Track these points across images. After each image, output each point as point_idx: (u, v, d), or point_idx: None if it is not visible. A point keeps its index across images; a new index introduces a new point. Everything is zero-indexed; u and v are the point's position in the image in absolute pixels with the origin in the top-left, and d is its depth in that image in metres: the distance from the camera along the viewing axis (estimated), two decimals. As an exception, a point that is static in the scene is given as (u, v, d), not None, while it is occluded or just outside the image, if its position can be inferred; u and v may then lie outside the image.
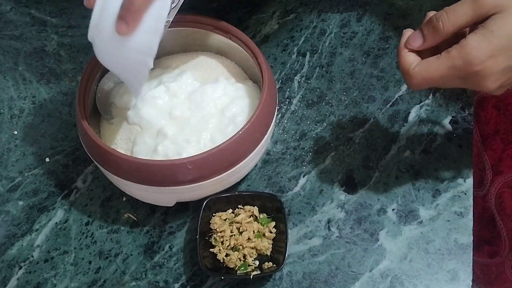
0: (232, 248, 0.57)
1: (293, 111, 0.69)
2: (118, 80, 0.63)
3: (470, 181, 0.63)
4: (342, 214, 0.62)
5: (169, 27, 0.63)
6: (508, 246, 0.69)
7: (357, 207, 0.62)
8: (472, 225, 0.60)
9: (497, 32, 0.45)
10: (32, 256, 0.60)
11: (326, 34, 0.76)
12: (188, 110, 0.60)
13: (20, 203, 0.63)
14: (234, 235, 0.57)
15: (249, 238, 0.57)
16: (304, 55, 0.74)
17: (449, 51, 0.46)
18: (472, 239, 0.59)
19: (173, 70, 0.65)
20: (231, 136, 0.54)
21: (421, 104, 0.69)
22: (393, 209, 0.62)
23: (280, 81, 0.72)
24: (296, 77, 0.72)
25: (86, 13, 0.79)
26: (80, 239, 0.61)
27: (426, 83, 0.48)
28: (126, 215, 0.62)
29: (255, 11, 0.79)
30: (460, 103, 0.69)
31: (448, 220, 0.61)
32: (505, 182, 0.65)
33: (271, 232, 0.59)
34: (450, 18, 0.47)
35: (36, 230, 0.61)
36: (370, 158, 0.65)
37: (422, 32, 0.49)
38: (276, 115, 0.60)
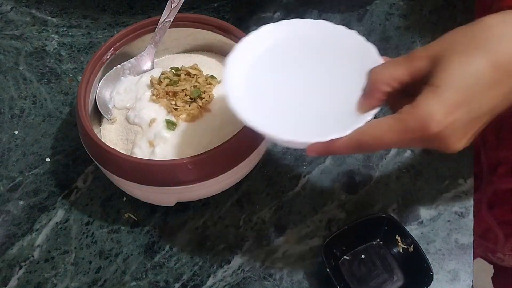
0: None
1: (294, 111, 0.69)
2: (118, 80, 0.63)
3: (470, 181, 0.63)
4: (342, 214, 0.62)
5: (169, 27, 0.63)
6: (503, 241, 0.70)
7: (357, 207, 0.62)
8: (472, 225, 0.60)
9: (445, 86, 0.38)
10: (33, 256, 0.60)
11: (327, 34, 0.76)
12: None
13: (21, 202, 0.63)
14: None
15: None
16: (304, 55, 0.74)
17: (401, 112, 0.40)
18: (472, 239, 0.59)
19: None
20: (232, 136, 0.54)
21: (421, 104, 0.69)
22: (393, 209, 0.62)
23: (280, 81, 0.72)
24: (296, 77, 0.72)
25: (87, 13, 0.79)
26: (81, 239, 0.61)
27: (377, 145, 0.42)
28: (126, 215, 0.62)
29: (256, 11, 0.79)
30: (461, 103, 0.69)
31: (449, 220, 0.61)
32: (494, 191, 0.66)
33: None
34: (382, 76, 0.42)
35: (37, 229, 0.61)
36: (370, 158, 0.65)
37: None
38: (277, 115, 0.60)
